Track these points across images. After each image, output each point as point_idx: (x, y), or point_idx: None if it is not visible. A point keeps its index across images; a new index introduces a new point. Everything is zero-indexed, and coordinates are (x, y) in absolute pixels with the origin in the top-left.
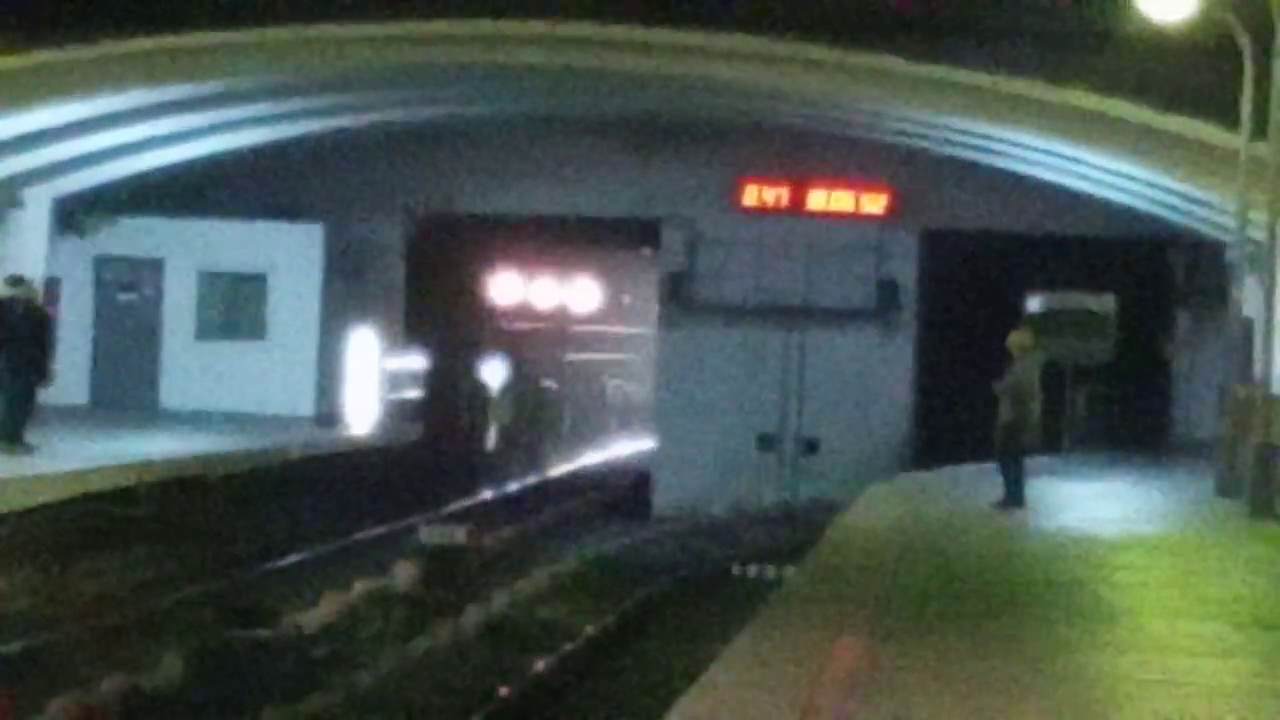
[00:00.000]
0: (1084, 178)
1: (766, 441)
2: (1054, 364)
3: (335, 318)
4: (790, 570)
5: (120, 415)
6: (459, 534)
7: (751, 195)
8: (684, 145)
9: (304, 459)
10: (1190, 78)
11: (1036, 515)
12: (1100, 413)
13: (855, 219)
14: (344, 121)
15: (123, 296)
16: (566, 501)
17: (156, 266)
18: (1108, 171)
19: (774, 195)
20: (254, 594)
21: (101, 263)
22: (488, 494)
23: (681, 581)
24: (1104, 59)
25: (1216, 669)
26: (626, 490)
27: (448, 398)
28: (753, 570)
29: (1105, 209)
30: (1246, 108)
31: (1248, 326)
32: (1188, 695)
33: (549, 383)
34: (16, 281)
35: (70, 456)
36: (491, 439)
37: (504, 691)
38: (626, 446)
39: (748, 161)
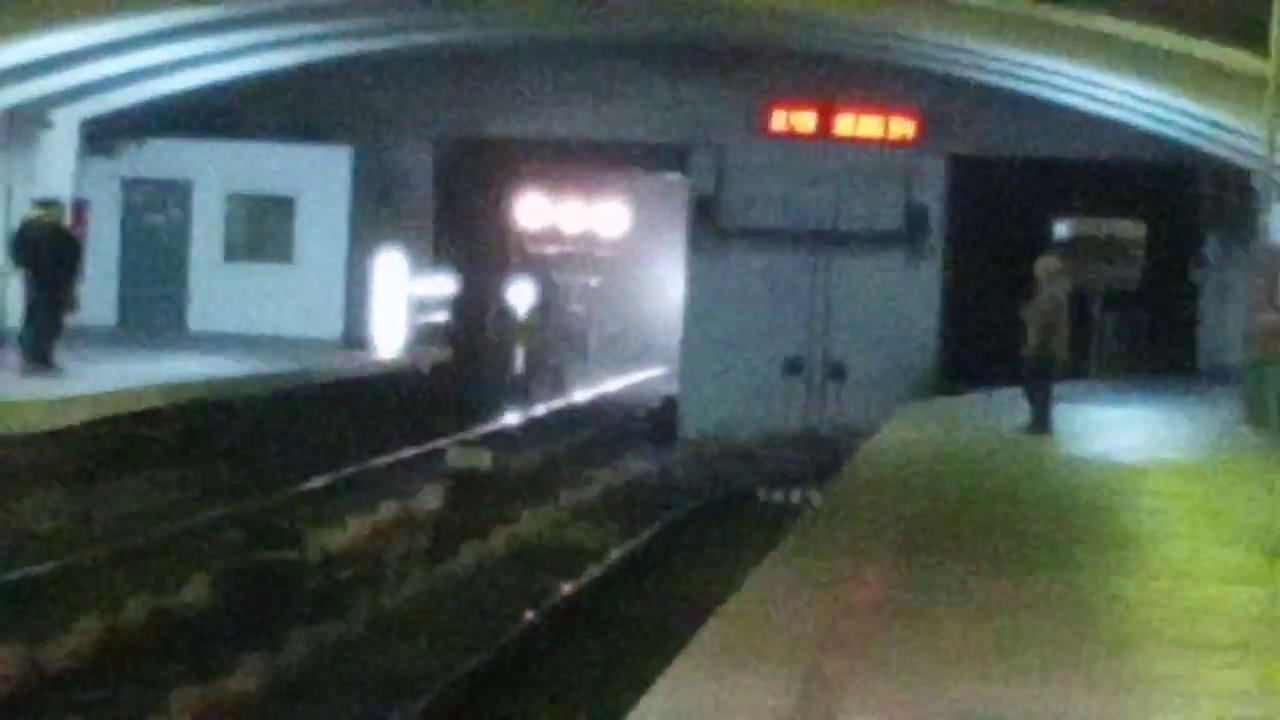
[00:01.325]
0: (1112, 103)
1: (793, 366)
2: (1082, 289)
3: (363, 241)
4: (816, 495)
5: (147, 337)
6: (485, 457)
7: (779, 120)
8: (712, 69)
9: (330, 382)
10: (1220, 3)
11: (1063, 441)
12: (1128, 338)
13: (883, 144)
14: (372, 45)
15: (150, 218)
16: (593, 425)
17: (184, 188)
18: (1135, 97)
19: (802, 120)
20: (280, 516)
21: (129, 184)
22: (515, 417)
23: (708, 505)
24: None
25: (1241, 595)
26: (653, 415)
27: (475, 321)
28: (779, 495)
29: (1133, 135)
30: (1276, 34)
31: (1274, 252)
32: (1212, 621)
33: (576, 307)
34: (46, 203)
35: (97, 378)
36: (519, 363)
37: (530, 614)
38: (654, 371)
39: (776, 86)
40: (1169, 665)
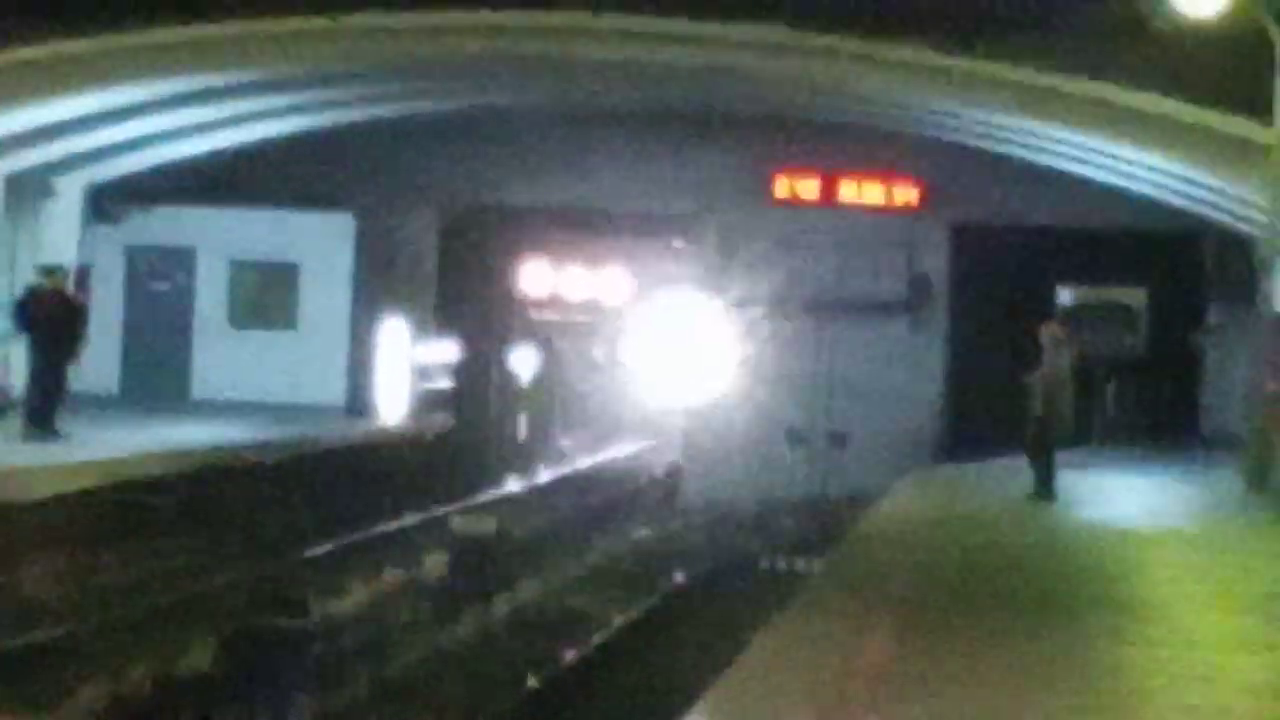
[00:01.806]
0: (1115, 171)
1: (796, 435)
2: (1085, 357)
3: (366, 307)
4: (818, 563)
5: (151, 404)
6: (489, 524)
7: (783, 187)
8: (715, 138)
9: (334, 449)
10: (1222, 72)
11: (1067, 508)
12: (1131, 406)
13: (886, 212)
14: (376, 112)
15: (154, 285)
16: (595, 493)
17: (188, 255)
18: (1139, 165)
19: (805, 187)
20: (284, 583)
21: (133, 251)
22: (517, 484)
23: (710, 574)
24: (1135, 53)
25: (1248, 664)
26: (656, 482)
27: (478, 388)
28: (782, 563)
29: (1136, 202)
30: (1278, 101)
31: (1278, 321)
32: (1219, 690)
33: (578, 375)
34: (50, 270)
35: (100, 444)
36: (522, 429)
37: (532, 681)
38: (658, 439)
39: (779, 154)
40: None
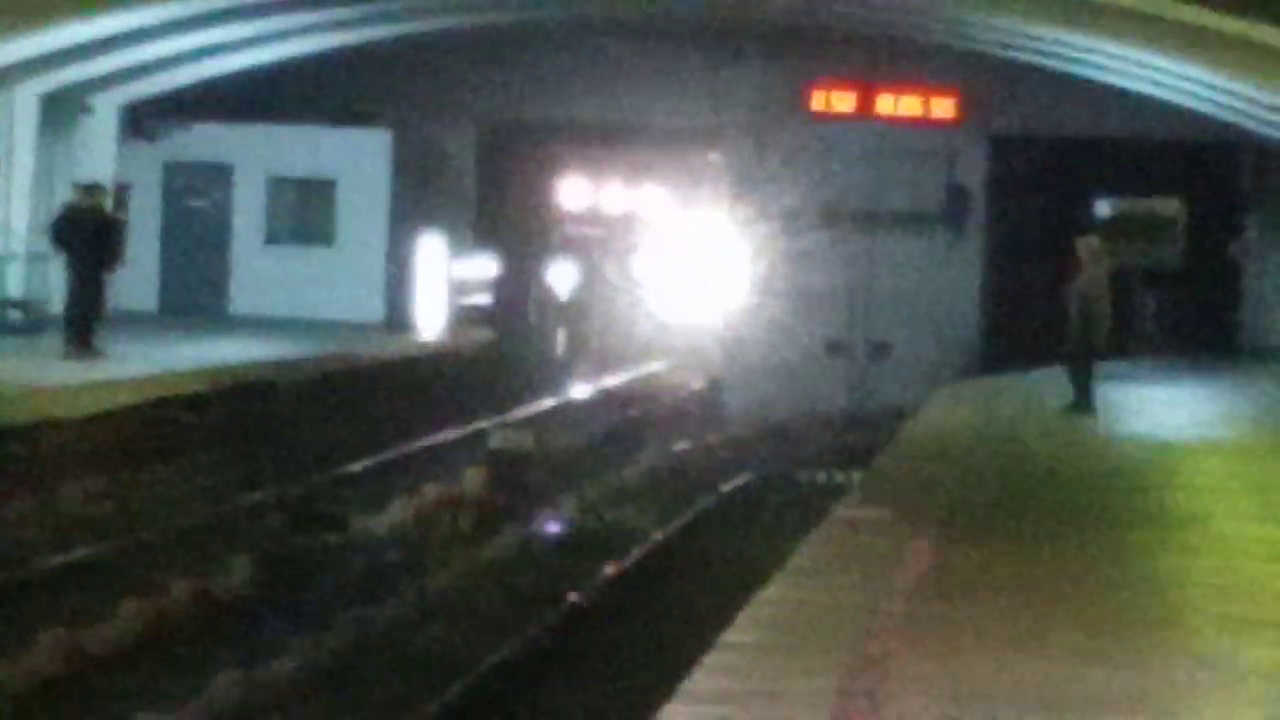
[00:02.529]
0: (1152, 82)
1: (836, 346)
2: (1123, 269)
3: (404, 224)
4: (859, 476)
5: (189, 321)
6: (527, 439)
7: (819, 100)
8: (751, 51)
9: (372, 364)
10: None
11: (1106, 420)
12: (1169, 317)
13: (924, 124)
14: (413, 27)
15: (191, 202)
16: (635, 407)
17: (225, 172)
18: (1176, 75)
19: (841, 100)
20: (323, 499)
21: (170, 168)
22: (556, 399)
23: (750, 487)
24: None
25: None
26: (695, 396)
27: (516, 303)
28: (822, 475)
29: (1173, 113)
30: None
31: None
32: (1257, 599)
33: (617, 289)
34: (87, 188)
35: (139, 362)
36: (560, 344)
37: (573, 596)
38: (697, 353)
39: (815, 66)
40: (1212, 643)
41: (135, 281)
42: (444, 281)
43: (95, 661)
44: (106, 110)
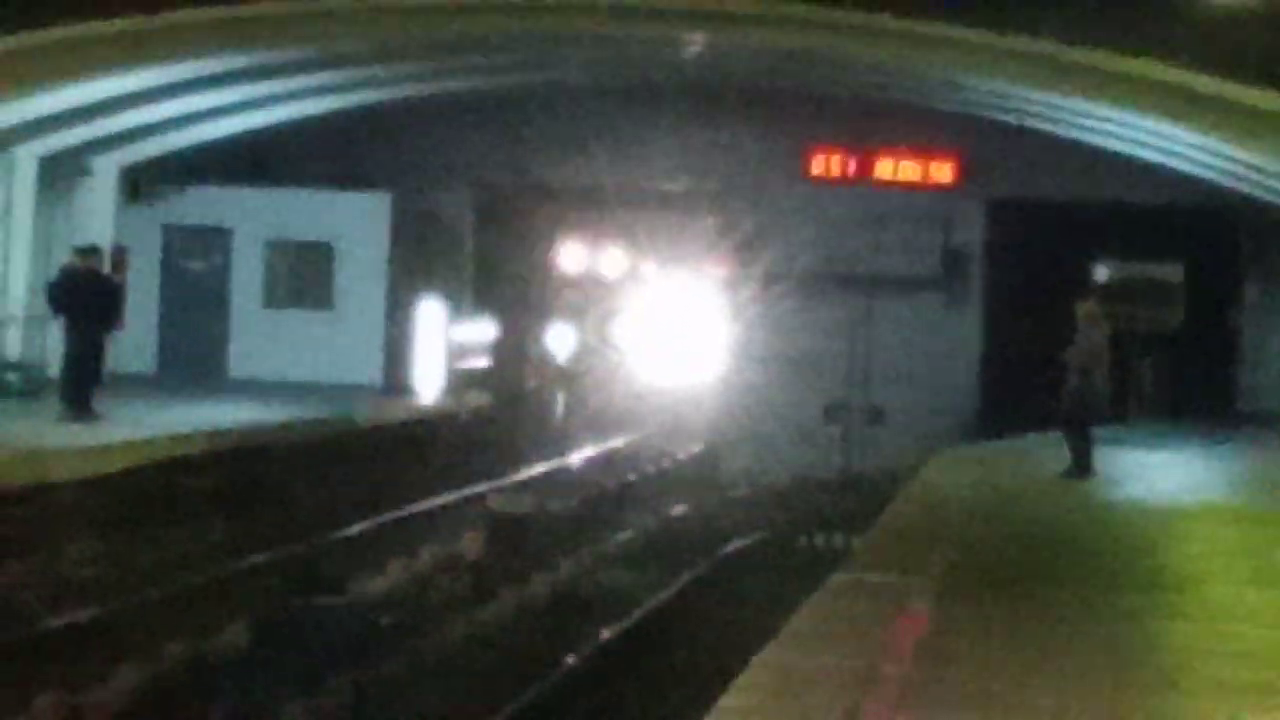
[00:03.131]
0: (1151, 147)
1: (833, 411)
2: (1121, 333)
3: (402, 287)
4: (856, 540)
5: (187, 384)
6: (526, 502)
7: (819, 164)
8: (752, 115)
9: (371, 428)
10: (1260, 47)
11: (1104, 484)
12: (1167, 383)
13: (922, 188)
14: (411, 90)
15: (190, 265)
16: (633, 470)
17: (224, 235)
18: (1175, 140)
19: (841, 164)
20: (321, 562)
21: (169, 231)
22: (554, 462)
23: (748, 551)
24: (1172, 27)
25: None
26: (693, 459)
27: (514, 367)
28: (820, 539)
29: (1173, 178)
30: None
31: None
32: (1256, 664)
33: (615, 352)
34: (85, 250)
35: (137, 425)
36: (558, 407)
37: (571, 659)
38: (695, 416)
39: (815, 131)
40: (1212, 708)
41: (133, 344)
42: (442, 345)
43: None
44: (105, 173)
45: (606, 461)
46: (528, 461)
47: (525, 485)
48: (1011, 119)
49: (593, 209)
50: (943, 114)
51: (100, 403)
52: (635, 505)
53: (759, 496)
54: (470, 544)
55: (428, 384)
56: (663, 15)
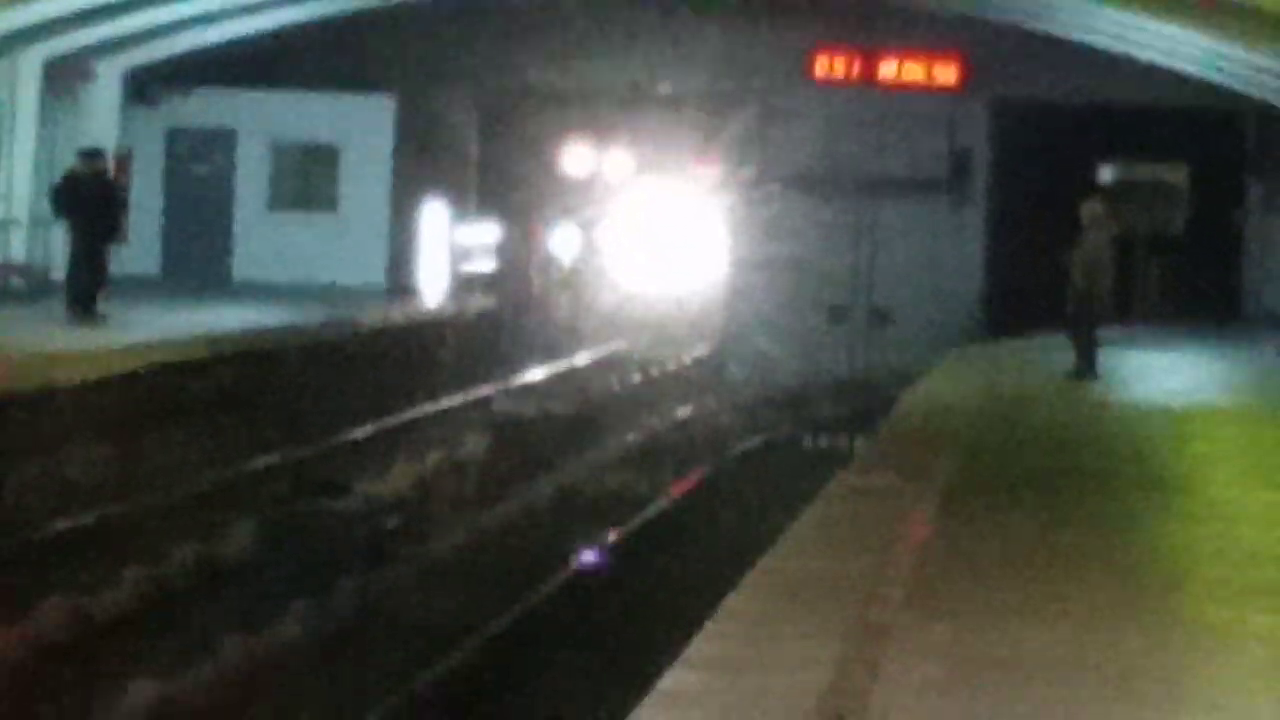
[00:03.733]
0: (1157, 48)
1: (838, 313)
2: (1125, 234)
3: (407, 189)
4: (860, 442)
5: (192, 287)
6: (531, 405)
7: (823, 66)
8: (757, 16)
9: (376, 330)
10: None
11: (1108, 386)
12: (1172, 284)
13: (927, 90)
14: None
15: (194, 168)
16: (638, 372)
17: (229, 138)
18: (1181, 42)
19: (845, 66)
20: (326, 465)
21: (173, 135)
22: (560, 365)
23: (753, 453)
24: None
25: None
26: (699, 362)
27: (519, 269)
28: (824, 441)
29: (1178, 79)
30: None
31: None
32: (1259, 564)
33: (618, 255)
34: (89, 154)
35: (141, 328)
36: (563, 310)
37: (575, 561)
38: (700, 319)
39: (819, 32)
40: (1217, 610)
41: (138, 247)
42: (446, 247)
43: (99, 627)
44: (110, 76)
45: (612, 365)
46: (532, 364)
47: (530, 388)
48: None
49: (595, 112)
50: (947, 16)
51: (105, 306)
52: (641, 408)
53: (765, 400)
54: (474, 446)
55: (433, 286)
56: None
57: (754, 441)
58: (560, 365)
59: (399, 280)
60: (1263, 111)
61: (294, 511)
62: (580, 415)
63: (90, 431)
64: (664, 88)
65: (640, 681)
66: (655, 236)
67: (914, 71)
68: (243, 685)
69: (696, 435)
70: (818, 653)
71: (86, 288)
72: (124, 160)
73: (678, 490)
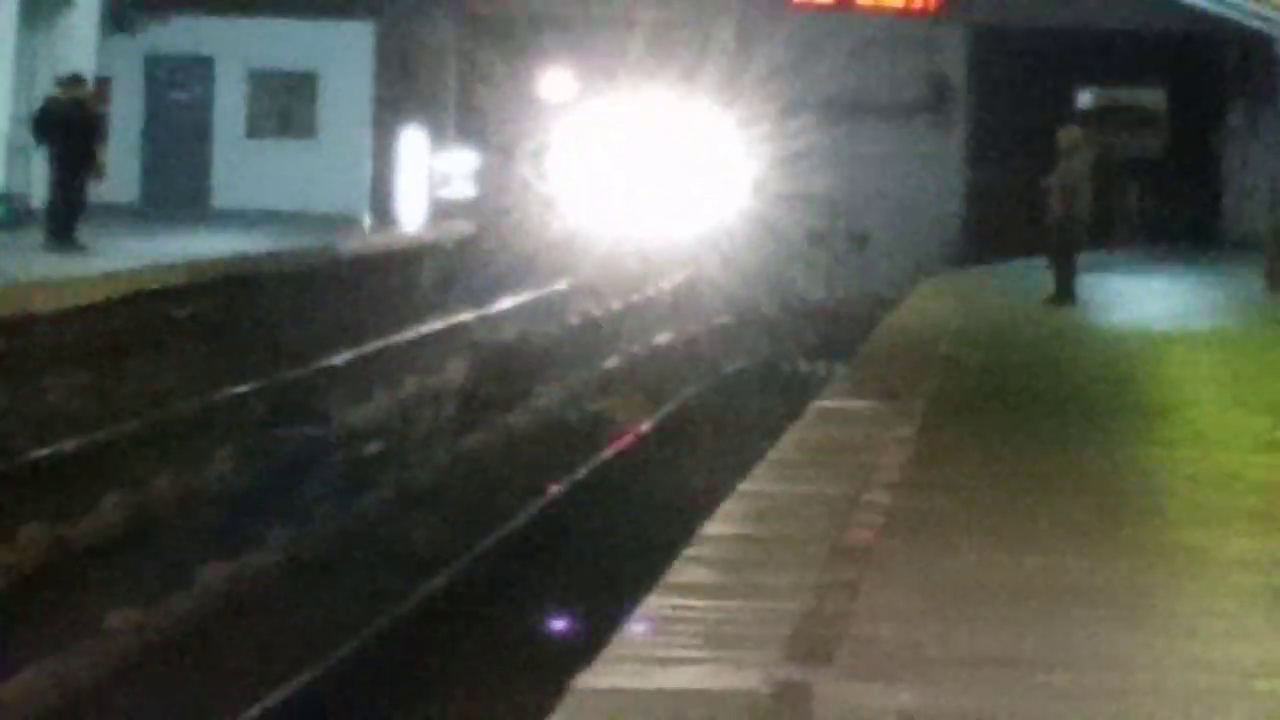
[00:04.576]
0: None
1: (816, 236)
2: (1104, 159)
3: (386, 116)
4: (839, 367)
5: (171, 214)
6: (509, 330)
7: None
8: None
9: (355, 257)
10: None
11: (1086, 311)
12: (1151, 208)
13: (905, 14)
14: None
15: (173, 95)
16: (618, 298)
17: (207, 65)
18: None
19: None
20: (305, 392)
21: (151, 61)
22: (539, 291)
23: (731, 378)
24: None
25: (1267, 463)
26: (677, 287)
27: (498, 196)
28: (803, 366)
29: (1157, 3)
30: None
31: None
32: (1237, 489)
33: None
34: (70, 81)
35: (120, 255)
36: (541, 236)
37: (555, 487)
38: (678, 243)
39: None
40: (1195, 534)
41: (117, 175)
42: (425, 173)
43: (77, 555)
44: (87, 3)
45: (590, 290)
46: (512, 290)
47: (509, 314)
48: None
49: (573, 36)
50: None
51: (84, 234)
52: (619, 335)
53: (743, 324)
54: (453, 373)
55: (412, 213)
56: None
57: (732, 367)
58: (539, 291)
59: (378, 207)
60: (1242, 35)
61: (272, 437)
62: (559, 340)
63: (69, 359)
64: (640, 12)
65: (620, 608)
66: (633, 161)
67: None
68: (222, 612)
69: (674, 360)
70: (796, 578)
71: (66, 216)
72: (102, 88)
73: (655, 416)
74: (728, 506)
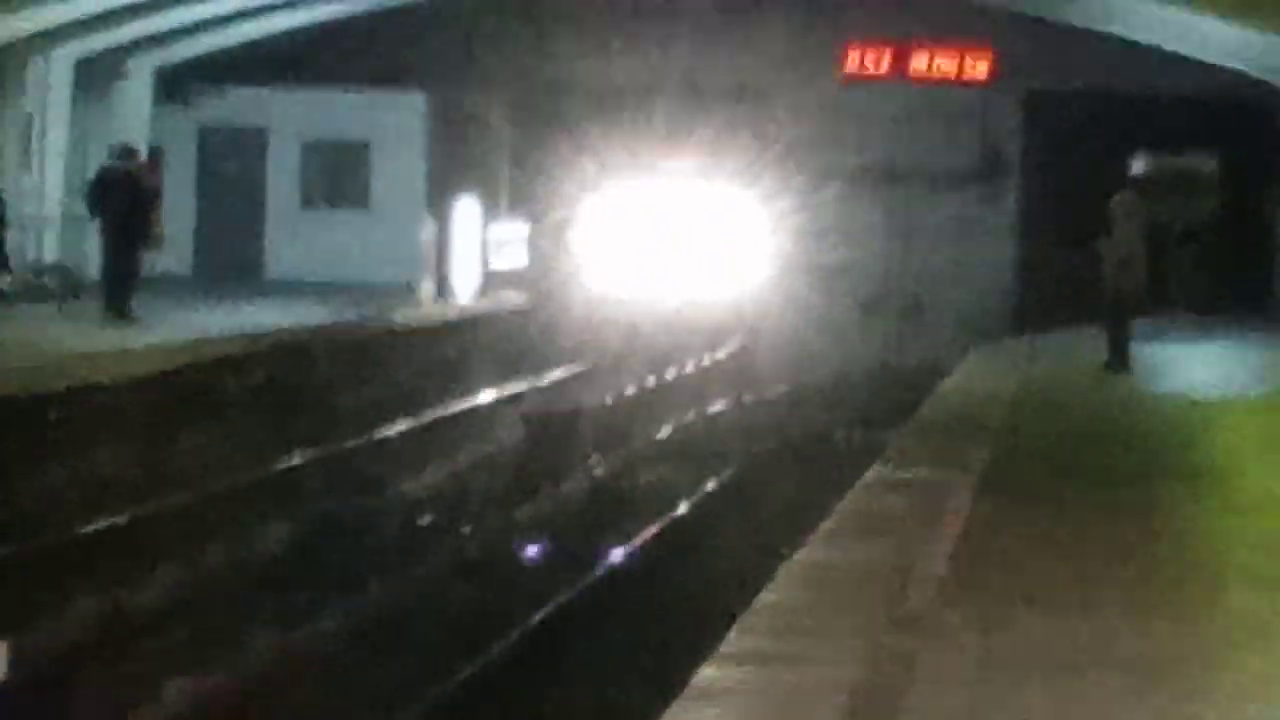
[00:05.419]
0: (1187, 39)
1: (869, 306)
2: (1158, 226)
3: (438, 186)
4: (893, 436)
5: (224, 286)
6: (562, 401)
7: (854, 60)
8: (788, 10)
9: (409, 328)
10: None
11: (1142, 378)
12: (1204, 275)
13: (958, 83)
14: None
15: (226, 166)
16: (672, 366)
17: (260, 136)
18: (1212, 32)
19: (877, 60)
20: (360, 463)
21: (205, 132)
22: (593, 361)
23: (786, 447)
24: None
25: None
26: (731, 357)
27: (550, 267)
28: (857, 435)
29: (1209, 71)
30: None
31: None
32: None
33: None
34: (123, 152)
35: (175, 326)
36: (595, 306)
37: (615, 554)
38: (734, 314)
39: (850, 26)
40: (1249, 600)
41: (170, 246)
42: (478, 245)
43: (135, 625)
44: (141, 74)
45: (643, 361)
46: (566, 361)
47: (563, 384)
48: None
49: (625, 108)
50: (978, 7)
51: (138, 305)
52: (673, 405)
53: (797, 394)
54: (507, 443)
55: (465, 283)
56: None
57: (787, 436)
58: (593, 361)
59: (432, 277)
60: None
61: (328, 507)
62: (613, 411)
63: (123, 430)
64: (694, 84)
65: (675, 677)
66: (687, 232)
67: (946, 64)
68: (275, 682)
69: (729, 430)
70: (851, 646)
71: (120, 287)
72: (156, 159)
73: (710, 485)
74: (783, 574)
